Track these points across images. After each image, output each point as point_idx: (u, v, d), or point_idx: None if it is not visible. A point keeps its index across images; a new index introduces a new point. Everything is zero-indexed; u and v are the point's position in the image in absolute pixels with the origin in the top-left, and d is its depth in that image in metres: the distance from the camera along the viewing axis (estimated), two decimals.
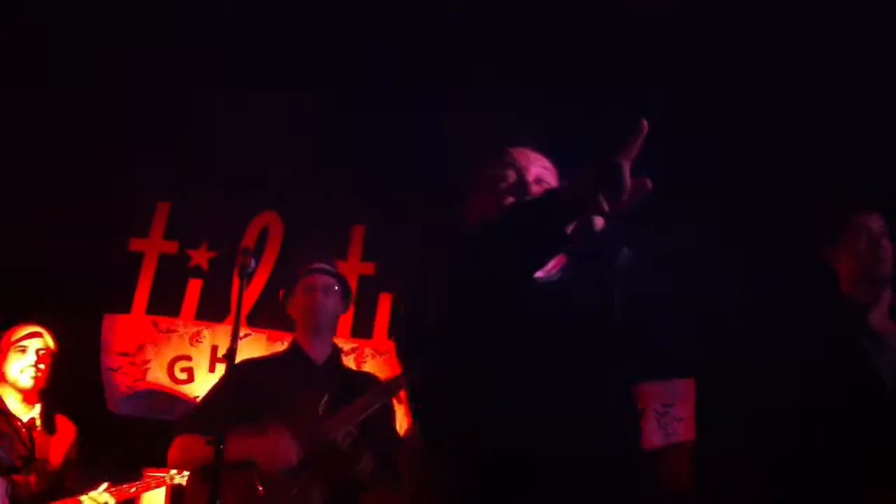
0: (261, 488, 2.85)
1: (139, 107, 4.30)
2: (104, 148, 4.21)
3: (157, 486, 3.55)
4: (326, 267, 3.27)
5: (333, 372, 3.17)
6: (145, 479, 3.54)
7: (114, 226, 4.44)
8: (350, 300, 3.38)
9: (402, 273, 4.52)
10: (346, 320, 4.51)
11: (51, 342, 3.57)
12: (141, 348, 4.41)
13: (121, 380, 4.34)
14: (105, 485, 3.44)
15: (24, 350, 3.51)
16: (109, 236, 4.44)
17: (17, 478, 3.23)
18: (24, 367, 3.49)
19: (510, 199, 2.02)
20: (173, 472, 3.49)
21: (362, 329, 4.55)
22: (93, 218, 4.23)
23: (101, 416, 4.14)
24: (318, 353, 3.18)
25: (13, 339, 3.53)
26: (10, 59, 4.15)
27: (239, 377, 3.06)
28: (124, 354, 4.38)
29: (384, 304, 4.60)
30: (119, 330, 4.41)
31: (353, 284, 4.52)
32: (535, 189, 2.04)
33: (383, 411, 3.08)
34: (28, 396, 3.50)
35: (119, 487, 3.46)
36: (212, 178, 4.43)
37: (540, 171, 2.10)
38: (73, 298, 4.10)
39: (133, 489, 3.50)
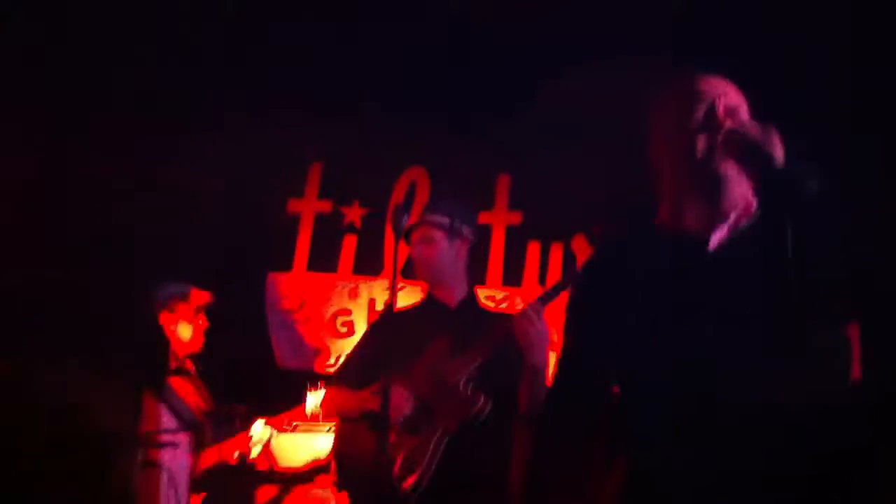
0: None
1: (283, 71, 4.43)
2: (257, 115, 4.39)
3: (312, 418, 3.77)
4: (425, 218, 3.26)
5: (466, 315, 3.21)
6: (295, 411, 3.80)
7: (271, 189, 4.63)
8: (466, 236, 3.27)
9: (549, 221, 4.56)
10: (497, 270, 4.57)
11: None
12: (303, 304, 4.62)
13: (287, 335, 4.57)
14: (262, 420, 3.72)
15: (197, 316, 3.82)
16: (268, 200, 4.64)
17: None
18: (198, 331, 3.82)
19: (701, 140, 1.87)
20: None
21: (512, 278, 4.58)
22: (251, 183, 4.44)
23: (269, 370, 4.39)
24: (450, 298, 3.25)
25: (191, 303, 3.83)
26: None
27: (378, 330, 3.28)
28: (288, 311, 4.60)
29: (533, 252, 4.62)
30: (282, 288, 4.63)
31: (500, 235, 4.58)
32: (728, 124, 1.86)
33: (506, 351, 2.98)
34: (184, 350, 3.81)
35: (274, 419, 3.74)
36: (360, 136, 4.52)
37: (731, 101, 1.92)
38: (238, 260, 4.31)
39: (288, 424, 3.77)
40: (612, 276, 1.96)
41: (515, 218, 4.65)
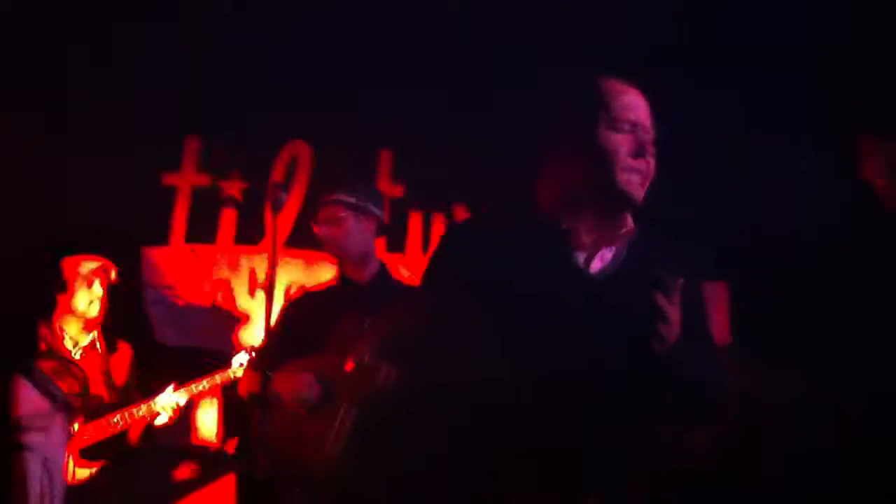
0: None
1: (160, 42, 4.32)
2: (131, 87, 4.28)
3: (223, 382, 3.67)
4: (336, 198, 3.29)
5: (378, 291, 3.25)
6: (211, 375, 3.67)
7: (146, 162, 4.53)
8: (373, 213, 3.33)
9: (430, 192, 4.64)
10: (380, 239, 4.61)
11: (112, 274, 3.82)
12: (182, 277, 4.57)
13: (164, 311, 4.52)
14: (171, 385, 3.64)
15: (91, 283, 3.72)
16: (142, 173, 4.53)
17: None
18: (93, 299, 3.72)
19: (623, 158, 1.84)
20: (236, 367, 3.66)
21: (395, 246, 4.65)
22: (125, 156, 4.32)
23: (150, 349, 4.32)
24: (361, 276, 3.30)
25: (82, 272, 3.73)
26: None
27: (292, 313, 3.30)
28: (166, 286, 4.55)
29: (415, 222, 4.70)
30: (159, 262, 4.56)
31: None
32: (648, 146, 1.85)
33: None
34: (89, 325, 3.76)
35: (186, 384, 3.64)
36: (240, 110, 4.46)
37: (648, 118, 1.88)
38: (111, 235, 4.21)
39: (200, 385, 3.65)
40: (481, 254, 1.88)
41: (397, 191, 4.71)
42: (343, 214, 3.26)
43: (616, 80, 1.90)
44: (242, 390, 3.30)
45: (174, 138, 4.62)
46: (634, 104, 1.87)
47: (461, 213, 4.68)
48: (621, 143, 1.83)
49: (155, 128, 4.35)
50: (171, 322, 4.50)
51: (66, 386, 3.48)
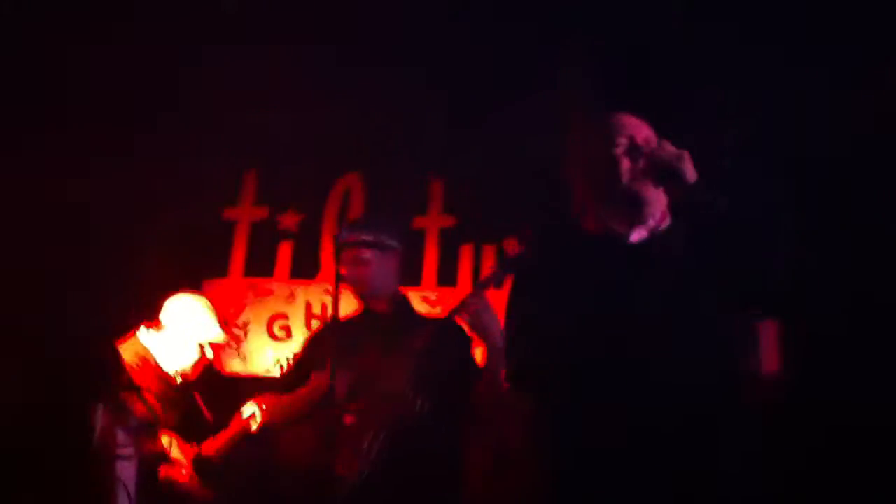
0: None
1: (217, 76, 4.44)
2: (190, 124, 4.42)
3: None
4: (357, 239, 3.37)
5: (400, 320, 3.35)
6: None
7: (206, 197, 4.66)
8: (394, 248, 3.41)
9: (482, 223, 4.68)
10: (431, 272, 4.66)
11: None
12: (240, 310, 4.66)
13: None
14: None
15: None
16: (203, 208, 4.67)
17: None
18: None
19: (625, 165, 2.22)
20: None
21: (447, 279, 4.69)
22: (186, 192, 4.45)
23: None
24: (384, 307, 3.38)
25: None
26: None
27: (317, 340, 3.46)
28: (225, 319, 4.61)
29: (466, 254, 4.73)
30: (219, 294, 4.65)
31: (434, 238, 4.69)
32: (647, 152, 2.21)
33: (442, 349, 3.16)
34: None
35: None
36: (295, 142, 4.58)
37: (646, 133, 2.27)
38: (173, 269, 4.31)
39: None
40: (546, 269, 2.26)
41: (448, 221, 4.75)
42: (366, 255, 3.34)
43: (619, 112, 2.32)
44: (283, 412, 3.38)
45: (234, 173, 4.74)
46: (626, 125, 2.27)
47: (512, 247, 4.70)
48: (622, 160, 2.22)
49: (215, 164, 4.47)
50: (232, 352, 4.58)
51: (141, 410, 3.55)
